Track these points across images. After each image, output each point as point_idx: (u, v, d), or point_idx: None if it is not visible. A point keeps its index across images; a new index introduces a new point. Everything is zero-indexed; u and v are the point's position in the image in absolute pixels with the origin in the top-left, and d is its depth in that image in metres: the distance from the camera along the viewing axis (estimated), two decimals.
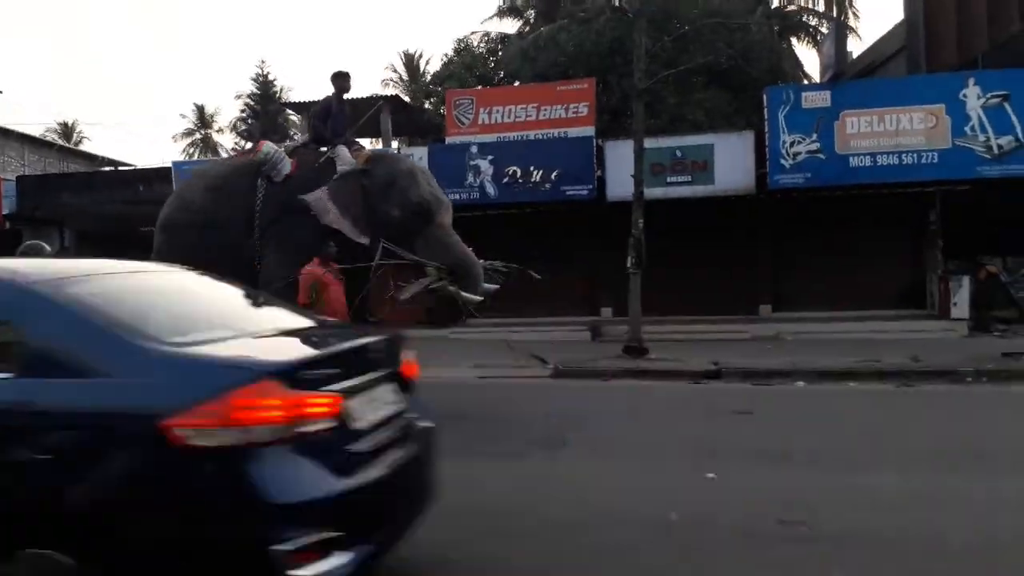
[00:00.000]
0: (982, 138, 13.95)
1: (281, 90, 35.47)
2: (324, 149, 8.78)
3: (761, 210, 15.63)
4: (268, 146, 8.56)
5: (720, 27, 18.16)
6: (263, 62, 55.18)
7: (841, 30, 17.59)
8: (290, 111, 30.41)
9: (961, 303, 13.96)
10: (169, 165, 18.83)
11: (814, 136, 14.43)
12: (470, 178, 16.40)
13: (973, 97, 14.00)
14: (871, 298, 15.52)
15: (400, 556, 3.56)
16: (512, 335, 13.71)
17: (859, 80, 18.80)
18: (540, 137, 16.76)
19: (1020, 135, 13.77)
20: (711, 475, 5.29)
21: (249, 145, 18.90)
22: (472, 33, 25.46)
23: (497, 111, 17.18)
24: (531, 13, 25.42)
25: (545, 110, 16.90)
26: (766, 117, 14.82)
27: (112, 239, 22.10)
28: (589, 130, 16.42)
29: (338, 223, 7.99)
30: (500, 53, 24.89)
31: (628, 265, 12.42)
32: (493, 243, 19.27)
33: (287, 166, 8.41)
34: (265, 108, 34.71)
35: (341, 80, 9.02)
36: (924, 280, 15.57)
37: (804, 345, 12.79)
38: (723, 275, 16.03)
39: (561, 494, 5.01)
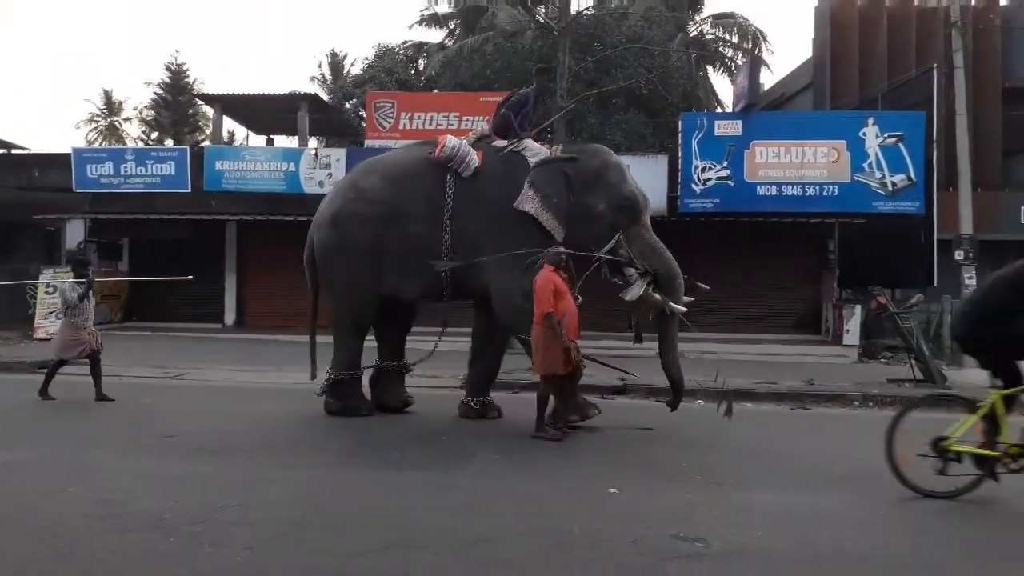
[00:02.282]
0: (878, 175, 14.77)
1: (194, 81, 34.37)
2: (502, 143, 8.18)
3: (671, 232, 16.01)
4: (451, 140, 7.90)
5: (641, 52, 18.65)
6: (177, 51, 53.42)
7: (755, 63, 18.30)
8: (202, 102, 29.50)
9: (853, 330, 14.68)
10: (69, 151, 17.90)
11: (725, 163, 14.94)
12: None
13: (872, 136, 14.81)
14: (771, 322, 16.19)
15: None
16: (422, 344, 13.54)
17: (769, 112, 19.64)
18: None
19: (912, 174, 14.65)
20: (614, 490, 5.38)
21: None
22: (403, 43, 25.38)
23: (419, 117, 17.09)
24: (455, 23, 25.50)
25: (467, 120, 16.90)
26: (680, 142, 15.27)
27: (1, 225, 20.85)
28: None
29: (539, 214, 7.48)
30: (420, 61, 24.92)
31: None
32: None
33: (475, 160, 7.85)
34: (176, 98, 33.54)
35: (546, 77, 8.66)
36: (820, 307, 16.33)
37: (705, 364, 13.14)
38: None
39: (467, 507, 5.00)
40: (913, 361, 11.25)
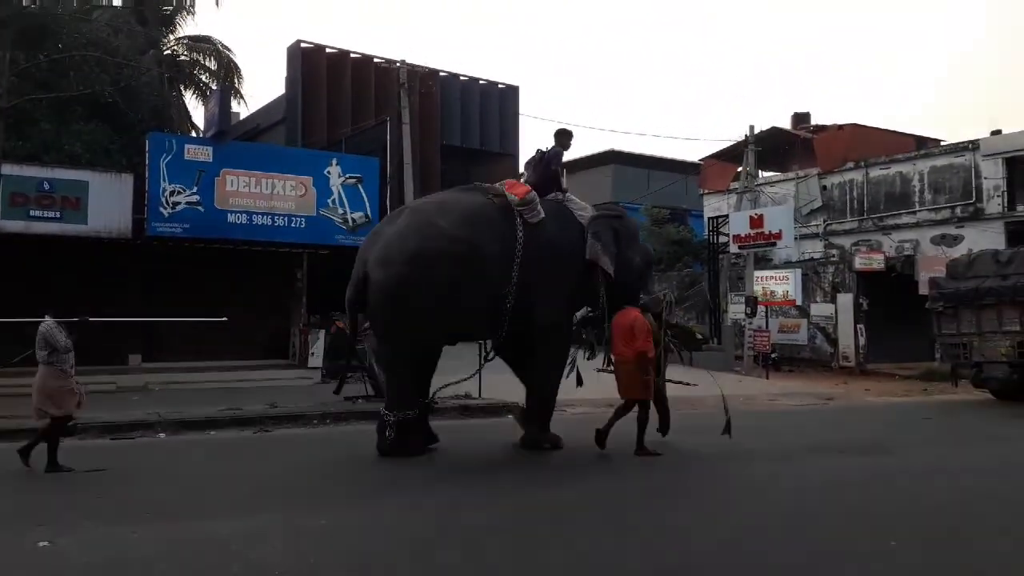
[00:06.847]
0: (340, 211, 16.23)
1: None
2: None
3: (136, 256, 15.18)
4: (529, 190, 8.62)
5: (105, 60, 17.30)
6: None
7: (227, 91, 18.43)
8: None
9: (318, 353, 15.74)
10: None
11: (195, 188, 14.74)
12: None
13: (335, 175, 16.23)
14: (240, 348, 16.33)
15: None
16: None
17: (242, 142, 19.98)
18: None
19: (369, 212, 16.42)
20: (44, 543, 4.95)
21: None
22: None
23: None
24: None
25: None
26: (147, 163, 14.59)
27: None
28: None
29: (602, 261, 8.54)
30: None
31: None
32: None
33: (542, 209, 8.56)
34: None
35: (567, 138, 9.42)
36: (289, 332, 17.11)
37: (172, 395, 12.80)
38: (90, 322, 14.95)
39: None
40: (367, 379, 12.60)
